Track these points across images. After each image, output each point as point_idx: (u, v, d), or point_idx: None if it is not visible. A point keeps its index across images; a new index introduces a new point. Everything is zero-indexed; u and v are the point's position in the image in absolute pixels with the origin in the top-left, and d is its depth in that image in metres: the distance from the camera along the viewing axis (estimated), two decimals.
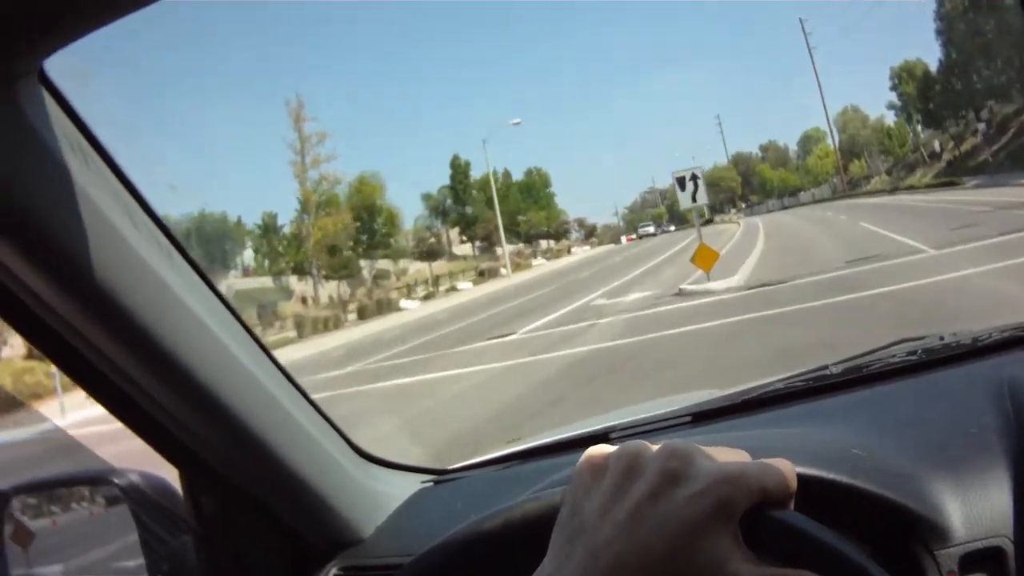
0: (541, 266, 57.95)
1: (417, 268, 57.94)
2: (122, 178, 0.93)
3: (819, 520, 0.55)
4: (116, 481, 1.32)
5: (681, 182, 16.41)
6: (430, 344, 18.29)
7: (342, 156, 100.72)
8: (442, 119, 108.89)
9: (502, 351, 13.87)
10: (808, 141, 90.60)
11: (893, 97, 65.58)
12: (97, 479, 1.45)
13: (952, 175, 45.50)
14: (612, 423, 1.51)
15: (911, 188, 48.99)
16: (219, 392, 1.04)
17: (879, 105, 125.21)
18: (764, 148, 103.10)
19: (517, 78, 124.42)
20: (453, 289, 47.26)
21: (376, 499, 1.39)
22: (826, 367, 1.43)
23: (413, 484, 1.51)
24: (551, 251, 72.95)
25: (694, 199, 16.48)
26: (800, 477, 0.59)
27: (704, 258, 16.30)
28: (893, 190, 52.59)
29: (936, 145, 53.91)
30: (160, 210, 0.97)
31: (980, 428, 1.01)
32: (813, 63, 74.25)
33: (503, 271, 51.69)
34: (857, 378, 1.35)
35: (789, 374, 1.46)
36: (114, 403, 1.05)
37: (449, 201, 66.05)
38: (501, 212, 70.56)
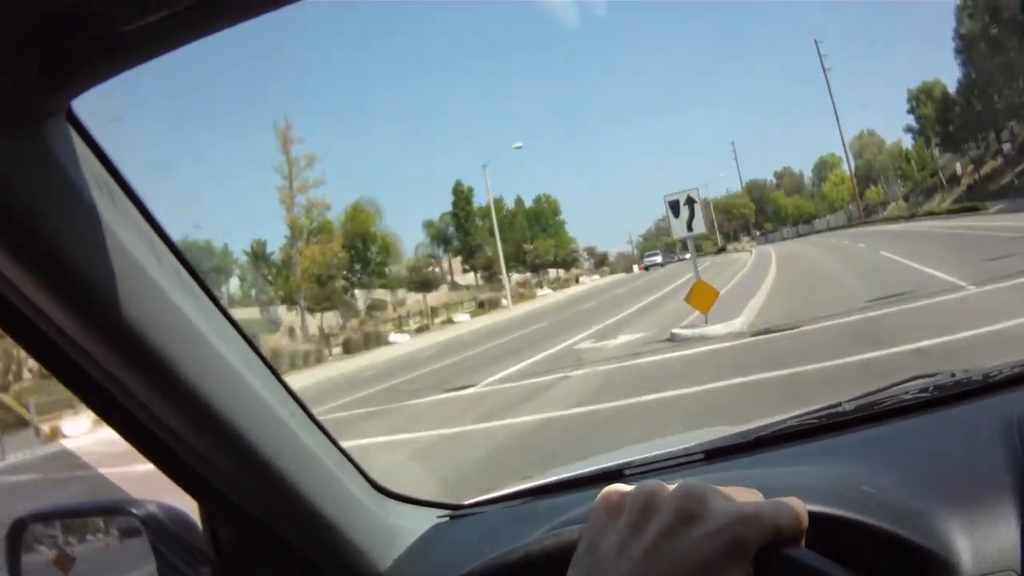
0: (546, 296, 55.87)
1: (416, 299, 55.75)
2: (147, 215, 0.95)
3: (830, 557, 0.57)
4: (135, 512, 1.29)
5: (674, 207, 13.56)
6: (390, 391, 16.51)
7: (338, 183, 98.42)
8: (446, 144, 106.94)
9: (449, 411, 11.87)
10: (823, 167, 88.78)
11: (911, 120, 63.55)
12: (115, 509, 1.39)
13: (973, 199, 43.32)
14: (627, 460, 1.51)
15: (931, 214, 46.68)
16: (238, 425, 1.05)
17: (896, 129, 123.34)
18: (779, 175, 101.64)
19: (527, 105, 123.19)
20: (449, 321, 45.07)
21: (392, 533, 1.38)
22: (839, 404, 1.44)
23: (429, 519, 1.50)
24: (559, 280, 70.69)
25: (689, 227, 13.69)
26: (811, 515, 0.61)
27: (700, 298, 13.69)
28: (911, 216, 50.38)
29: (957, 168, 51.24)
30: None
31: (990, 464, 1.01)
32: (828, 85, 72.00)
33: (504, 302, 49.47)
34: (869, 415, 1.36)
35: (801, 411, 1.47)
36: (134, 434, 1.05)
37: (452, 229, 63.53)
38: (507, 240, 68.70)
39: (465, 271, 65.31)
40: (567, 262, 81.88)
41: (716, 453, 1.42)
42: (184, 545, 1.27)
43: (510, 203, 71.05)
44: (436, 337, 35.14)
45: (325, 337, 41.69)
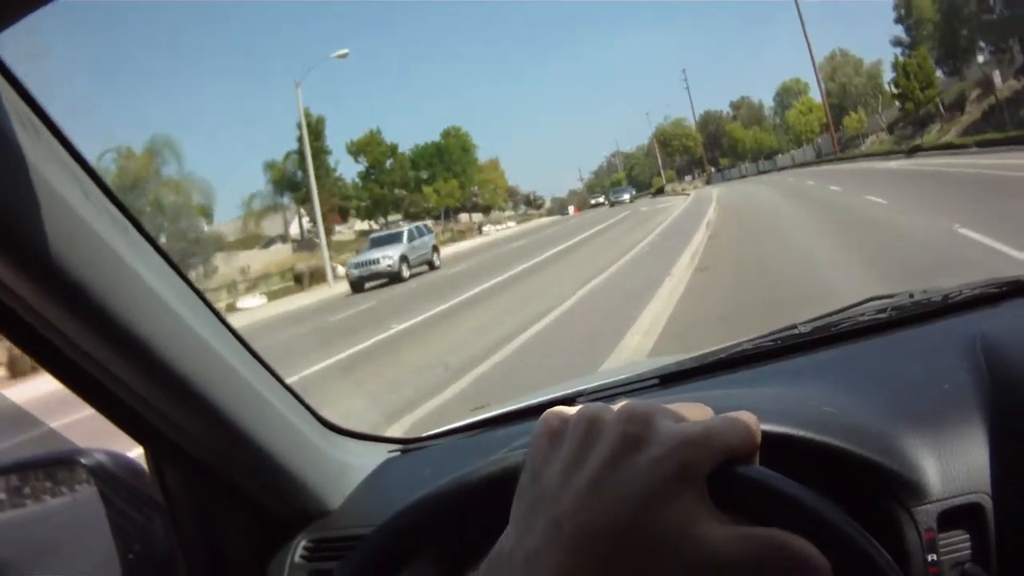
0: None
1: (242, 263, 40.35)
2: (73, 152, 0.92)
3: (792, 478, 0.54)
4: (83, 461, 1.28)
5: None
6: None
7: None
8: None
9: None
10: (786, 94, 74.30)
11: (899, 31, 48.47)
12: (63, 460, 1.39)
13: (993, 130, 28.62)
14: (580, 388, 1.50)
15: (948, 147, 31.68)
16: (180, 366, 1.02)
17: (875, 48, 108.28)
18: (735, 105, 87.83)
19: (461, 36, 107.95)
20: (232, 308, 29.58)
21: (343, 470, 1.38)
22: (795, 327, 1.42)
23: (380, 454, 1.49)
24: (454, 233, 55.23)
25: None
26: (771, 436, 0.62)
27: None
28: (912, 151, 35.63)
29: (997, 79, 35.74)
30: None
31: (954, 384, 1.00)
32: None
33: (338, 271, 34.43)
34: (827, 337, 1.34)
35: (758, 335, 1.43)
36: (74, 381, 1.03)
37: (301, 172, 46.97)
38: (384, 183, 53.46)
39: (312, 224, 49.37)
40: (485, 207, 67.49)
41: (671, 378, 1.40)
42: (133, 492, 1.24)
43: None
44: None
45: None
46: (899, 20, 48.29)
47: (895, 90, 45.21)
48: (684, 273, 11.37)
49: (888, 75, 58.34)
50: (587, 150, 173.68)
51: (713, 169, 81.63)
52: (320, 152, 46.03)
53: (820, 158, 57.45)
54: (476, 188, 63.74)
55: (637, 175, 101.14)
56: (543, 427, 0.59)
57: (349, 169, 68.93)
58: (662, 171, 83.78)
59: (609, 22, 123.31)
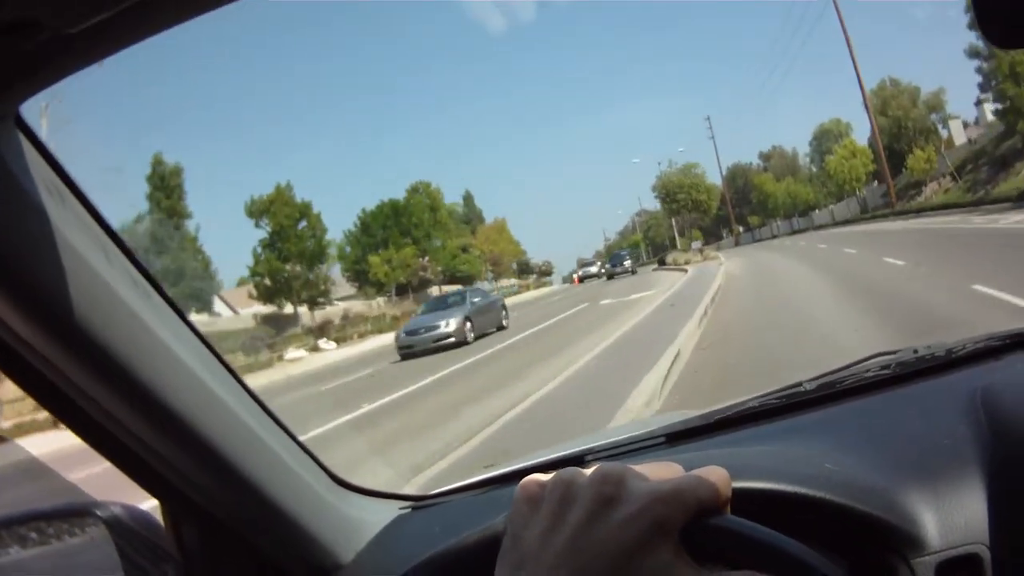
0: (300, 362, 28.24)
1: None
2: (97, 217, 0.95)
3: (793, 536, 0.55)
4: (99, 514, 1.26)
5: None
6: None
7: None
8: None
9: None
10: (825, 138, 60.84)
11: (973, 38, 35.94)
12: (79, 512, 1.35)
13: None
14: (588, 446, 1.52)
15: None
16: (197, 424, 1.05)
17: (931, 77, 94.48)
18: (765, 156, 74.67)
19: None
20: None
21: (354, 526, 1.38)
22: (800, 384, 1.42)
23: (391, 511, 1.50)
24: (382, 319, 41.78)
25: None
26: (774, 494, 0.70)
27: None
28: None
29: None
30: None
31: (953, 439, 1.02)
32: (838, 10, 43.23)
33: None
34: (832, 394, 1.35)
35: (764, 392, 1.45)
36: (94, 438, 1.05)
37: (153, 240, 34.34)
38: (290, 254, 40.49)
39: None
40: (464, 277, 54.82)
41: (678, 436, 1.40)
42: (149, 546, 1.25)
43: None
44: None
45: None
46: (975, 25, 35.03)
47: (996, 106, 31.48)
48: None
49: (950, 107, 45.73)
50: (613, 209, 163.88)
51: (741, 229, 68.69)
52: (176, 214, 33.37)
53: (868, 213, 44.41)
54: (426, 258, 50.46)
55: (654, 236, 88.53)
56: (521, 493, 0.61)
57: (250, 237, 57.29)
58: (675, 231, 70.12)
59: (630, 74, 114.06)
